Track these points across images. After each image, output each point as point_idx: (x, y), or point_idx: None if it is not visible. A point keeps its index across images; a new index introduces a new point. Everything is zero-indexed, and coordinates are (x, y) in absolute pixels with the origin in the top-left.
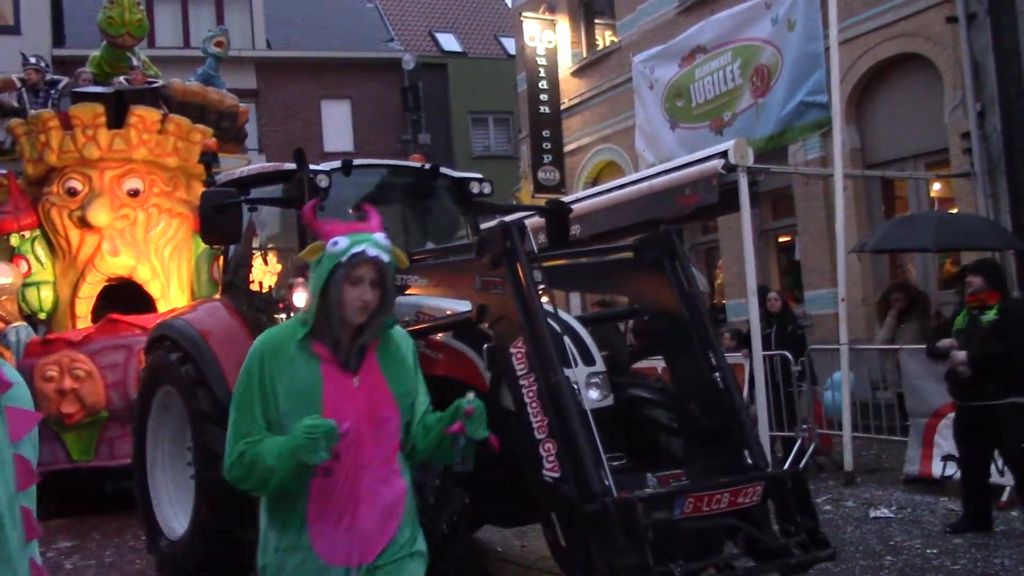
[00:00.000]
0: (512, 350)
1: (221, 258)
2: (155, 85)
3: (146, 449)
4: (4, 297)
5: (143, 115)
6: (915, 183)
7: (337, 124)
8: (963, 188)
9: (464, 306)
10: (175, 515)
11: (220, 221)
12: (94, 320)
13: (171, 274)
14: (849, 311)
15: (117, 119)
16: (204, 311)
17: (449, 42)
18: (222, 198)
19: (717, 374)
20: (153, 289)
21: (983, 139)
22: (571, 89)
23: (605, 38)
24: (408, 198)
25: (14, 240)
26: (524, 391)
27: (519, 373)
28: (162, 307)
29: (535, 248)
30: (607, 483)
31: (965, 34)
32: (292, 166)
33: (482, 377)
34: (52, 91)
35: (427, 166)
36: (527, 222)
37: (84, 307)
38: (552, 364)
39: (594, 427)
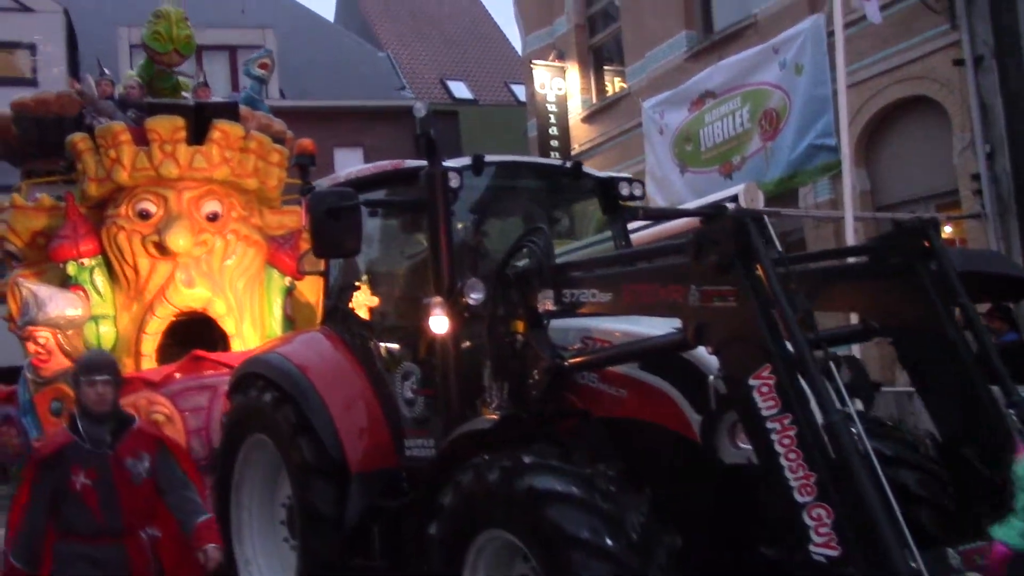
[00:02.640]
0: (753, 382)
1: (293, 293)
2: (233, 101)
3: (230, 506)
4: (71, 331)
5: (227, 131)
6: None
7: None
8: (975, 230)
9: (655, 327)
10: None
11: (336, 228)
12: (159, 359)
13: (244, 309)
14: (866, 353)
15: (197, 135)
16: (302, 343)
17: (460, 90)
18: (338, 200)
19: (1012, 411)
20: (228, 325)
21: (993, 180)
22: (582, 135)
23: (615, 84)
24: (545, 199)
25: (71, 268)
26: (776, 437)
27: (767, 413)
28: (236, 346)
29: (779, 246)
30: (915, 566)
31: (972, 76)
32: (414, 163)
33: (685, 420)
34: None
35: (568, 164)
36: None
37: (150, 344)
38: (827, 399)
39: (888, 488)
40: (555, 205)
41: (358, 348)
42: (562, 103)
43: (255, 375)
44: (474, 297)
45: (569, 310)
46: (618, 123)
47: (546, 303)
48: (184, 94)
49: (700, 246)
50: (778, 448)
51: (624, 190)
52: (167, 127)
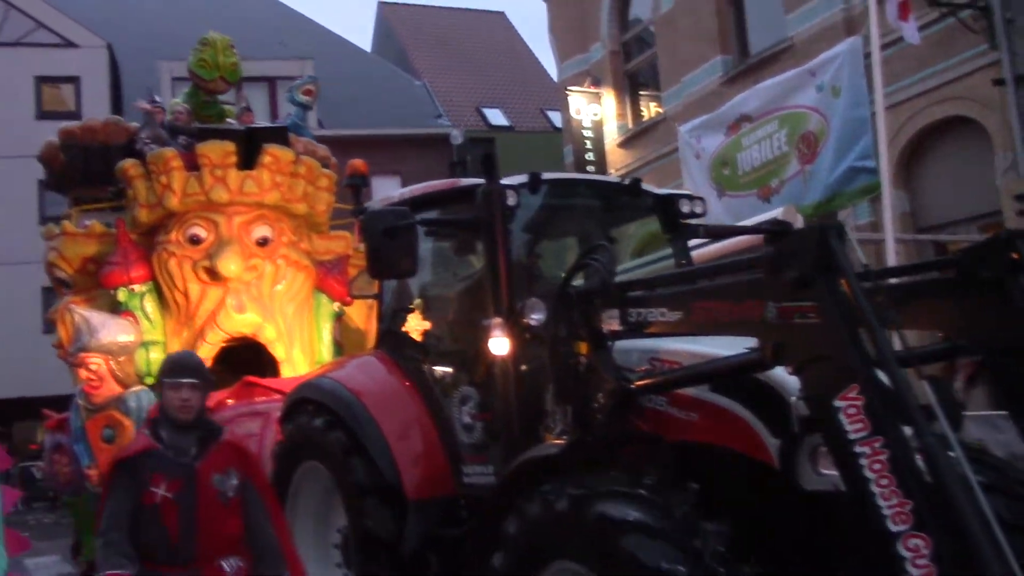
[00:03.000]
0: (839, 403)
1: (343, 318)
2: (283, 125)
3: None
4: (123, 357)
5: (278, 155)
6: None
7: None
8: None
9: (723, 347)
10: None
11: (392, 248)
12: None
13: (294, 334)
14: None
15: (247, 159)
16: (355, 367)
17: (496, 117)
18: (395, 219)
19: None
20: (278, 351)
21: None
22: (618, 160)
23: (650, 109)
24: (601, 218)
25: (122, 295)
26: (866, 462)
27: (855, 436)
28: (286, 372)
29: (862, 258)
30: None
31: (1013, 96)
32: (469, 182)
33: (761, 443)
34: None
35: (626, 181)
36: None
37: None
38: (920, 421)
39: (992, 517)
40: (611, 224)
41: (413, 372)
42: (598, 128)
43: (308, 400)
44: (535, 318)
45: (635, 330)
46: (654, 148)
47: (611, 323)
48: (229, 120)
49: (777, 260)
50: (868, 474)
51: (685, 207)
52: (218, 152)
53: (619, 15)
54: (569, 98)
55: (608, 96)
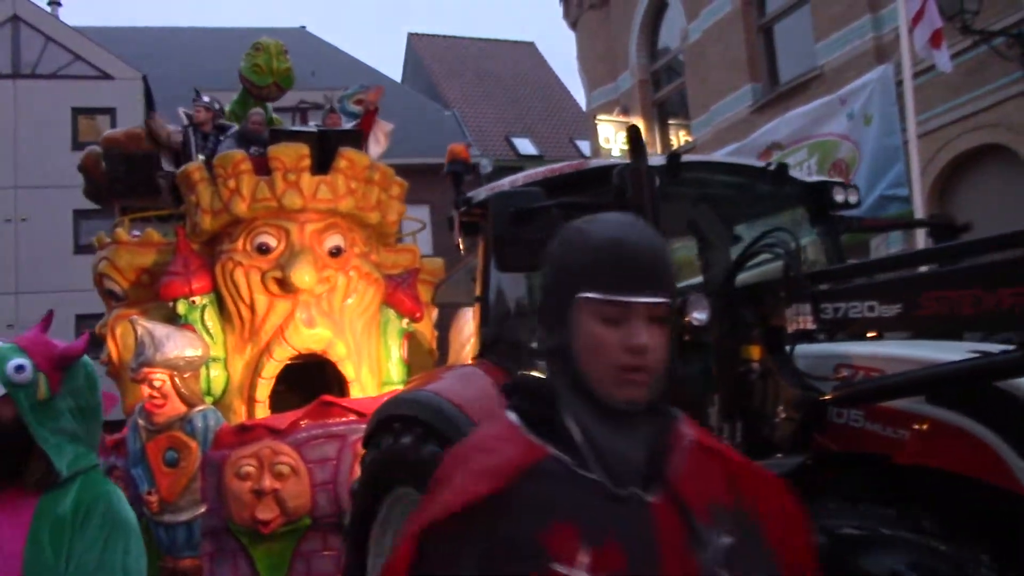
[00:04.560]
0: None
1: (409, 336)
2: (358, 129)
3: (367, 563)
4: (189, 374)
5: (353, 159)
6: None
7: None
8: None
9: (930, 349)
10: None
11: (522, 236)
12: (272, 406)
13: (363, 352)
14: None
15: (321, 164)
16: (456, 379)
17: (525, 146)
18: (525, 201)
19: None
20: (347, 370)
21: None
22: None
23: (680, 138)
24: (742, 207)
25: (181, 307)
26: None
27: None
28: (355, 392)
29: None
30: None
31: None
32: (602, 162)
33: (1006, 468)
34: (221, 137)
35: (771, 165)
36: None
37: (265, 389)
38: None
39: None
40: (751, 214)
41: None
42: (627, 157)
43: (399, 418)
44: (697, 316)
45: (832, 329)
46: None
47: (798, 321)
48: (313, 123)
49: None
50: None
51: (839, 196)
52: (291, 155)
53: (648, 44)
54: (598, 127)
55: (637, 125)
